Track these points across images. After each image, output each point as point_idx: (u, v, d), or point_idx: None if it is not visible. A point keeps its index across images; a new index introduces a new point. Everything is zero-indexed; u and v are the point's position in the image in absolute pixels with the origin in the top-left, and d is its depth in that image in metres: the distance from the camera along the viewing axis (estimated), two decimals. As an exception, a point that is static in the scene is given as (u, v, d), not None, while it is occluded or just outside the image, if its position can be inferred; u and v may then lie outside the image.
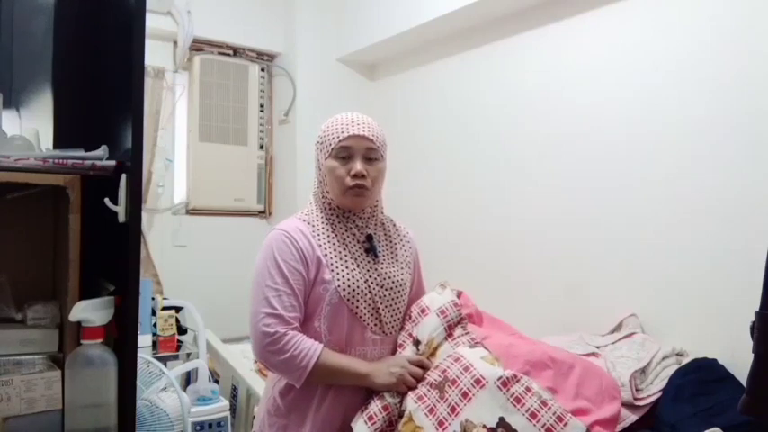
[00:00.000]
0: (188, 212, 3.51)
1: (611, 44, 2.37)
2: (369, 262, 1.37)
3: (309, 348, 1.26)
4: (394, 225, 1.50)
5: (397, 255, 1.44)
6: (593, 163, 2.41)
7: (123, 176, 1.02)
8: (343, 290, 1.31)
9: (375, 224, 1.42)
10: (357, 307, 1.33)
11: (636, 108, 2.27)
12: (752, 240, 1.79)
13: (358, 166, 1.32)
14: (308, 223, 1.37)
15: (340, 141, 1.32)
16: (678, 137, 2.12)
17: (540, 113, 2.65)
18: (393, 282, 1.39)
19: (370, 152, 1.34)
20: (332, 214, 1.38)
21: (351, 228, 1.38)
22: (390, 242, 1.45)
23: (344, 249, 1.35)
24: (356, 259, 1.36)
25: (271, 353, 1.25)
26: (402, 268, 1.43)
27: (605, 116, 2.38)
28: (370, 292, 1.35)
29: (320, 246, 1.33)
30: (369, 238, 1.39)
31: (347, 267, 1.33)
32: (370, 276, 1.36)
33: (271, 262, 1.30)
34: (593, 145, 2.41)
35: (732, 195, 1.96)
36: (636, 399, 1.87)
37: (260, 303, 1.27)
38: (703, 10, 2.07)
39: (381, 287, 1.37)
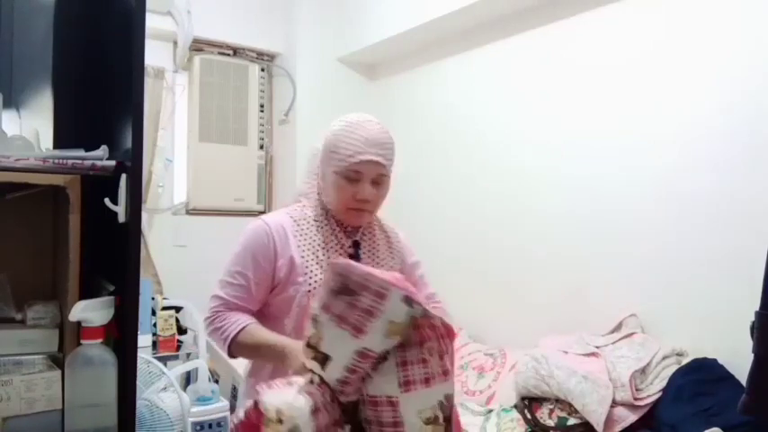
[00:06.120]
0: (188, 212, 3.51)
1: (611, 44, 2.37)
2: None
3: (233, 324, 1.29)
4: (383, 230, 1.46)
5: (380, 262, 1.40)
6: (594, 163, 2.41)
7: (123, 176, 1.02)
8: (313, 293, 1.27)
9: (364, 231, 1.40)
10: None
11: (636, 108, 2.27)
12: (752, 240, 1.78)
13: (365, 192, 1.29)
14: (295, 221, 1.35)
15: (352, 164, 1.27)
16: (678, 137, 2.13)
17: (539, 114, 2.65)
18: None
19: (379, 177, 1.31)
20: (322, 215, 1.36)
21: (337, 232, 1.35)
22: (375, 249, 1.41)
23: (324, 253, 1.33)
24: None
25: (206, 327, 1.36)
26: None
27: (605, 116, 2.38)
28: None
29: (299, 247, 1.31)
30: (355, 244, 1.37)
31: (322, 271, 1.30)
32: None
33: (241, 249, 1.34)
34: (594, 145, 2.41)
35: (732, 195, 1.96)
36: (636, 399, 1.87)
37: (217, 283, 1.36)
38: (703, 10, 2.07)
39: None
